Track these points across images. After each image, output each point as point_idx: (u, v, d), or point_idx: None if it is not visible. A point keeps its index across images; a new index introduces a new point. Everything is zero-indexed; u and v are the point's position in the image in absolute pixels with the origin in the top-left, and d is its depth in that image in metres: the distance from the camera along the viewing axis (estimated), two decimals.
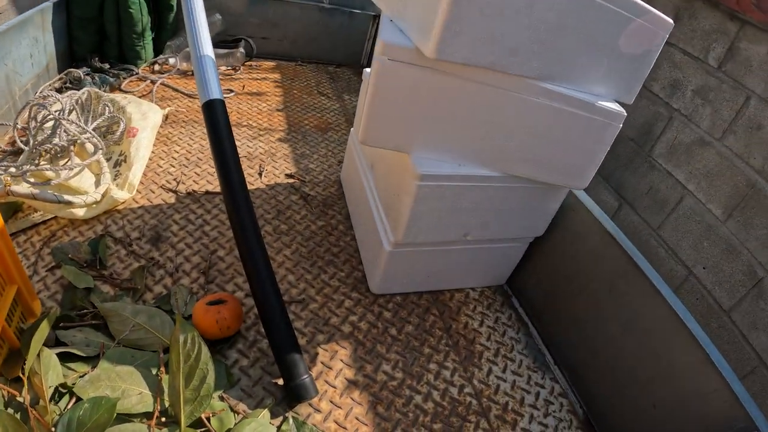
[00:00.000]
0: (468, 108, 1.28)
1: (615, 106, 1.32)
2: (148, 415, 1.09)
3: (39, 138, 1.80)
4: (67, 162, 1.76)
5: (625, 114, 1.32)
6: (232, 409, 1.20)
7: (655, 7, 1.21)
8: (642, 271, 1.33)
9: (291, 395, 1.24)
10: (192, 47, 1.54)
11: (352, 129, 1.96)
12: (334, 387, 1.35)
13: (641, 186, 2.00)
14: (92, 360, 1.20)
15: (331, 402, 1.31)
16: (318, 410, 1.27)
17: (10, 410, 1.04)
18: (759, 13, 1.55)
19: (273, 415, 1.22)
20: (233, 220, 1.31)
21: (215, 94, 1.41)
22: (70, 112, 1.93)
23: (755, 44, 1.60)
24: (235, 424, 1.16)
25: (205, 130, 2.25)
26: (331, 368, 1.39)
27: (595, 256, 1.50)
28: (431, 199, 1.38)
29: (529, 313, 1.76)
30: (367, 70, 1.61)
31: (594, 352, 1.48)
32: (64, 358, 1.17)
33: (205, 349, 1.14)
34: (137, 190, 1.84)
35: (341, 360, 1.42)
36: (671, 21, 1.25)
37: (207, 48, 1.52)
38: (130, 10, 2.46)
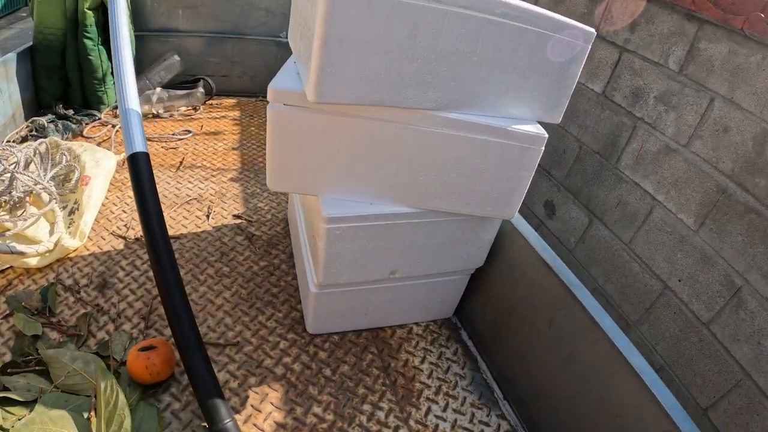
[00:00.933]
0: (369, 146, 1.29)
1: (533, 128, 1.29)
2: None
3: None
4: (22, 213, 1.94)
5: (546, 136, 1.31)
6: None
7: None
8: (581, 304, 1.29)
9: None
10: (119, 100, 1.65)
11: None
12: (262, 430, 1.41)
13: (610, 200, 1.99)
14: (31, 404, 1.35)
15: None
16: None
17: None
18: (716, 9, 1.51)
19: None
20: (155, 270, 1.43)
21: (139, 147, 1.53)
22: (28, 163, 2.12)
23: (715, 43, 1.57)
24: None
25: (163, 174, 2.44)
26: (261, 411, 1.45)
27: (534, 287, 1.49)
28: (344, 241, 1.40)
29: (478, 346, 1.75)
30: None
31: (538, 387, 1.46)
32: (5, 402, 1.33)
33: (121, 396, 1.30)
34: (89, 237, 2.01)
35: (271, 403, 1.48)
36: (592, 30, 1.23)
37: (133, 102, 1.63)
38: (90, 57, 2.67)
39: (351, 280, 1.54)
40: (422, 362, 1.68)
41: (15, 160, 2.05)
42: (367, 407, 1.51)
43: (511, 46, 1.17)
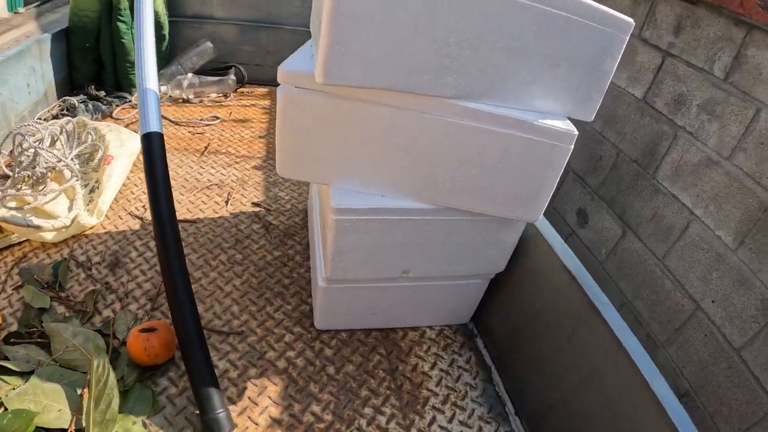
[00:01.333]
0: (381, 134, 1.22)
1: (562, 124, 1.20)
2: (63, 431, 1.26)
3: (24, 164, 2.04)
4: (43, 188, 1.98)
5: (576, 133, 1.22)
6: None
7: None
8: (604, 320, 1.20)
9: (206, 429, 1.30)
10: (137, 80, 1.64)
11: None
12: (256, 424, 1.38)
13: (645, 211, 1.90)
14: (27, 375, 1.36)
15: None
16: None
17: None
18: (765, 14, 1.43)
19: None
20: (159, 251, 1.42)
21: (153, 127, 1.51)
22: (54, 140, 2.16)
23: (764, 50, 1.49)
24: None
25: (186, 159, 2.46)
26: (257, 404, 1.42)
27: (557, 297, 1.40)
28: (354, 233, 1.35)
29: (494, 356, 1.68)
30: None
31: (552, 404, 1.38)
32: (2, 371, 1.35)
33: (112, 376, 1.30)
34: (106, 216, 2.04)
35: (269, 397, 1.45)
36: (630, 20, 1.13)
37: (151, 81, 1.62)
38: (123, 41, 2.72)
39: (360, 276, 1.49)
40: (432, 368, 1.62)
41: (40, 136, 2.09)
42: (368, 410, 1.47)
43: (538, 31, 1.07)
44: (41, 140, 2.07)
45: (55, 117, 2.57)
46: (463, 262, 1.52)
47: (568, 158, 1.27)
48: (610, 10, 1.11)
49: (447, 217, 1.39)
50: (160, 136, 1.53)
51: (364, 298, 1.60)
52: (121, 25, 2.72)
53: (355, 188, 1.32)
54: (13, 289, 1.68)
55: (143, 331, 1.47)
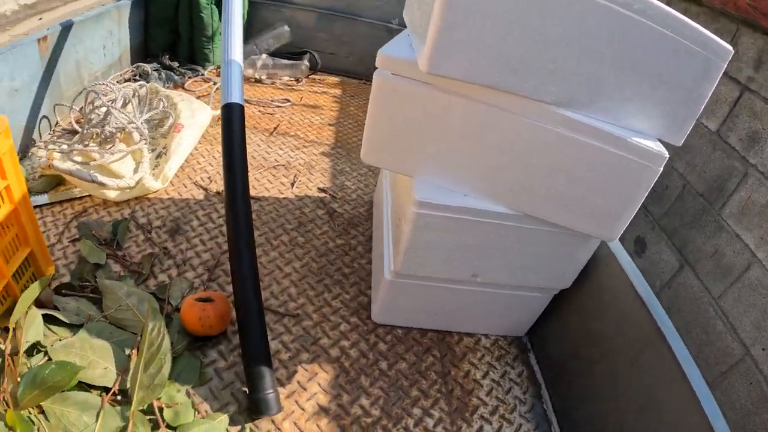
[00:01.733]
0: (476, 132, 1.20)
1: (654, 146, 1.17)
2: (107, 390, 1.18)
3: (93, 122, 2.02)
4: (111, 147, 1.95)
5: (667, 156, 1.19)
6: (194, 406, 1.26)
7: (737, 48, 1.11)
8: (669, 347, 1.17)
9: (252, 407, 1.26)
10: (223, 50, 1.61)
11: None
12: (303, 410, 1.33)
13: (706, 247, 1.82)
14: (76, 328, 1.31)
15: (295, 424, 1.30)
16: (278, 429, 1.27)
17: None
18: None
19: (232, 423, 1.25)
20: (228, 222, 1.37)
21: (236, 99, 1.46)
22: (126, 103, 2.15)
23: None
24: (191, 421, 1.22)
25: (255, 137, 2.43)
26: (306, 390, 1.38)
27: (622, 319, 1.36)
28: (432, 230, 1.31)
29: (545, 374, 1.61)
30: None
31: (602, 430, 1.32)
32: (52, 320, 1.29)
33: (167, 341, 1.22)
34: (171, 183, 2.01)
35: (318, 384, 1.40)
36: (729, 48, 1.10)
37: (236, 54, 1.58)
38: (202, 15, 2.72)
39: (429, 274, 1.45)
40: (484, 377, 1.56)
41: (113, 96, 2.08)
42: (416, 411, 1.41)
43: (645, 48, 1.05)
44: (114, 100, 2.05)
45: (127, 81, 2.58)
46: (534, 273, 1.48)
47: (655, 180, 1.25)
48: (714, 36, 1.08)
49: (527, 225, 1.35)
50: (241, 107, 1.49)
51: (427, 297, 1.55)
52: (201, 0, 2.72)
53: (440, 183, 1.30)
54: (69, 242, 1.65)
55: (199, 300, 1.41)
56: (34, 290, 1.26)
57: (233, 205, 1.36)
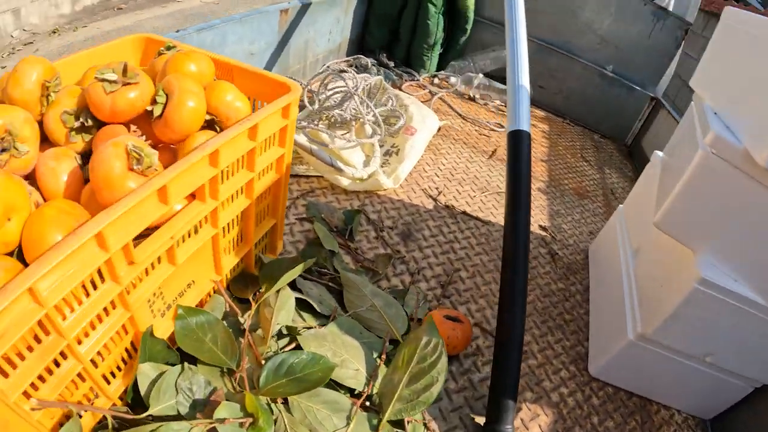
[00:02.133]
0: None
1: None
2: (354, 393, 1.08)
3: (325, 104, 2.00)
4: (345, 134, 1.90)
5: None
6: (425, 425, 1.16)
7: None
8: None
9: None
10: (510, 74, 1.56)
11: (620, 206, 1.84)
12: None
13: None
14: (320, 318, 1.23)
15: None
16: None
17: (224, 323, 1.09)
18: None
19: None
20: (507, 252, 1.29)
21: (524, 126, 1.41)
22: (363, 92, 2.11)
23: None
24: None
25: (476, 157, 2.33)
26: (528, 429, 1.32)
27: None
28: (700, 308, 1.27)
29: None
30: (659, 153, 1.60)
31: None
32: (298, 304, 1.22)
33: (444, 360, 1.09)
34: (401, 185, 1.94)
35: (539, 426, 1.34)
36: None
37: (524, 78, 1.53)
38: (428, 22, 2.67)
39: (671, 344, 1.41)
40: None
41: (355, 84, 2.04)
42: None
43: None
44: (357, 87, 2.01)
45: (343, 71, 2.58)
46: (758, 366, 1.40)
47: None
48: None
49: None
50: (528, 135, 1.42)
51: (652, 363, 1.48)
52: (431, 7, 2.68)
53: (720, 266, 1.26)
54: (296, 219, 1.61)
55: (448, 318, 1.31)
56: (295, 272, 1.18)
57: (515, 233, 1.31)
